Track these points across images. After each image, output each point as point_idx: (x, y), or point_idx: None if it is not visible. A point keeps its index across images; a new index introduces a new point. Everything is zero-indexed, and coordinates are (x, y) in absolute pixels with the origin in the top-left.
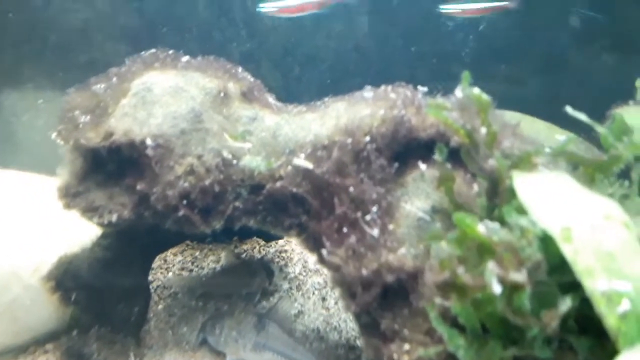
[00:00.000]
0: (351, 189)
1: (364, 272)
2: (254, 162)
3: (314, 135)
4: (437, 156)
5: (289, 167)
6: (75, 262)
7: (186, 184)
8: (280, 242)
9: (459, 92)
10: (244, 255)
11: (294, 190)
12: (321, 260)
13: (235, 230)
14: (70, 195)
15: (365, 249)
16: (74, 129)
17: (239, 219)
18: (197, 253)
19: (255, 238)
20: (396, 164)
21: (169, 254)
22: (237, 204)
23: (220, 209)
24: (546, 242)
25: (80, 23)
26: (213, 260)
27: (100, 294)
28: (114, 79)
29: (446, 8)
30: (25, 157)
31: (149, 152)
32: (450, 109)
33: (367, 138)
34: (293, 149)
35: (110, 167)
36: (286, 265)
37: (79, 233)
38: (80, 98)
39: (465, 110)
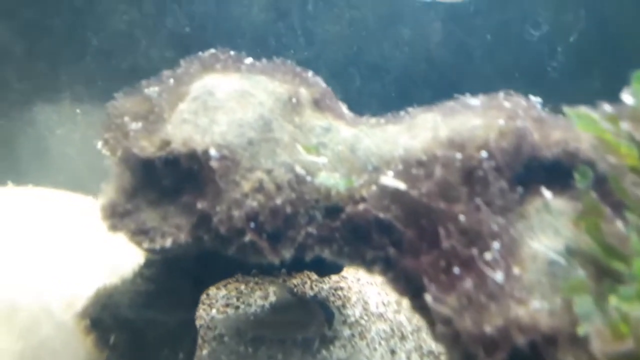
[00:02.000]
0: (462, 217)
1: (487, 329)
2: (331, 179)
3: (403, 149)
4: (579, 182)
5: (373, 187)
6: (115, 296)
7: (254, 203)
8: (334, 277)
9: (628, 98)
10: (294, 291)
11: (380, 215)
12: (418, 306)
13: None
14: (117, 215)
15: (487, 299)
16: (123, 138)
17: (312, 248)
18: (243, 287)
19: (305, 272)
20: (520, 189)
21: (211, 287)
22: (310, 229)
23: (291, 234)
24: None
25: (125, 26)
26: (261, 296)
27: (142, 336)
28: (170, 82)
29: None
30: (60, 174)
31: (213, 164)
32: (611, 119)
33: (484, 153)
34: (377, 165)
35: (165, 182)
36: (344, 306)
37: (118, 261)
38: (130, 103)
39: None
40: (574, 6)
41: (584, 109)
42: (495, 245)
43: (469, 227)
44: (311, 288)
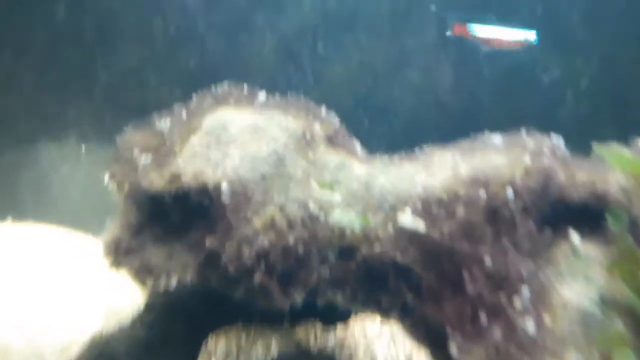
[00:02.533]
0: (488, 260)
1: None
2: (346, 218)
3: (422, 187)
4: (612, 225)
5: (390, 228)
6: (112, 343)
7: (266, 242)
8: (341, 327)
9: None
10: (298, 343)
11: (398, 258)
12: (440, 357)
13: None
14: (121, 252)
15: (518, 351)
16: (131, 171)
17: (324, 292)
18: (244, 337)
19: (310, 320)
20: (549, 232)
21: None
22: (323, 271)
23: (303, 276)
24: None
25: (135, 63)
26: (262, 347)
27: None
28: (183, 115)
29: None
30: (62, 212)
31: (225, 199)
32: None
33: (510, 192)
34: (394, 204)
35: (174, 218)
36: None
37: (118, 304)
38: (140, 136)
39: None
40: (585, 51)
41: (615, 146)
42: (525, 291)
43: (496, 271)
44: (316, 339)
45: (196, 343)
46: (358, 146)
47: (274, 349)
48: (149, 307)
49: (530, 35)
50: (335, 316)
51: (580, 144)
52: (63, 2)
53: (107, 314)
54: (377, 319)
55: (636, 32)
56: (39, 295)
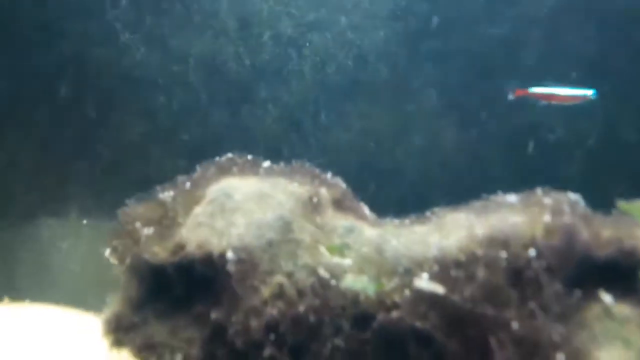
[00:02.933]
0: (515, 325)
1: None
2: (359, 283)
3: (437, 249)
4: None
5: (407, 292)
6: None
7: (274, 311)
8: None
9: None
10: None
11: (417, 324)
12: None
13: None
14: (122, 329)
15: None
16: (133, 244)
17: None
18: None
19: None
20: (578, 292)
21: None
22: (337, 341)
23: (315, 348)
24: None
25: (138, 137)
26: None
27: None
28: (186, 185)
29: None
30: (61, 290)
31: (230, 267)
32: None
33: (532, 252)
34: (409, 267)
35: (177, 290)
36: None
37: None
38: (143, 209)
39: None
40: (590, 111)
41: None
42: (560, 357)
43: (525, 336)
44: None
45: None
46: (366, 209)
47: None
48: None
49: (588, 92)
50: None
51: (589, 203)
52: (65, 80)
53: None
54: None
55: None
56: None
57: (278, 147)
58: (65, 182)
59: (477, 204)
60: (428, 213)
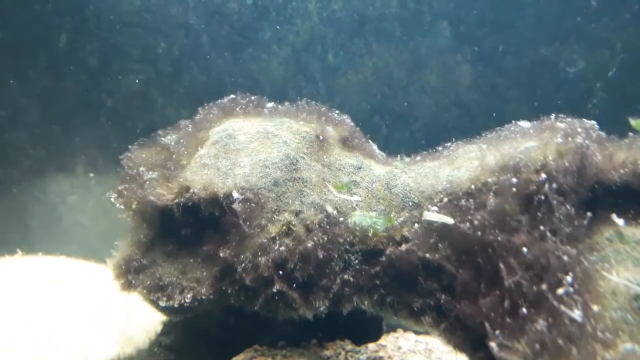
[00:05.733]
0: (524, 249)
1: None
2: (367, 218)
3: (447, 181)
4: None
5: (416, 225)
6: None
7: (282, 248)
8: (372, 346)
9: None
10: None
11: (427, 256)
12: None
13: (316, 326)
14: (131, 272)
15: (565, 341)
16: (138, 188)
17: (349, 298)
18: (270, 357)
19: (338, 341)
20: (589, 214)
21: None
22: (346, 276)
23: (325, 283)
24: None
25: (140, 85)
26: None
27: None
28: (189, 128)
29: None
30: (73, 243)
31: (236, 207)
32: None
33: (543, 175)
34: (417, 201)
35: (185, 231)
36: None
37: (134, 330)
38: (146, 153)
39: None
40: (610, 40)
41: None
42: (568, 278)
43: (535, 260)
44: (346, 358)
45: None
46: (375, 147)
47: None
48: (167, 330)
49: None
50: (366, 334)
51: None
52: (64, 29)
53: (122, 343)
54: (411, 335)
55: None
56: (51, 326)
57: (285, 91)
58: (70, 135)
59: (490, 135)
60: (440, 148)
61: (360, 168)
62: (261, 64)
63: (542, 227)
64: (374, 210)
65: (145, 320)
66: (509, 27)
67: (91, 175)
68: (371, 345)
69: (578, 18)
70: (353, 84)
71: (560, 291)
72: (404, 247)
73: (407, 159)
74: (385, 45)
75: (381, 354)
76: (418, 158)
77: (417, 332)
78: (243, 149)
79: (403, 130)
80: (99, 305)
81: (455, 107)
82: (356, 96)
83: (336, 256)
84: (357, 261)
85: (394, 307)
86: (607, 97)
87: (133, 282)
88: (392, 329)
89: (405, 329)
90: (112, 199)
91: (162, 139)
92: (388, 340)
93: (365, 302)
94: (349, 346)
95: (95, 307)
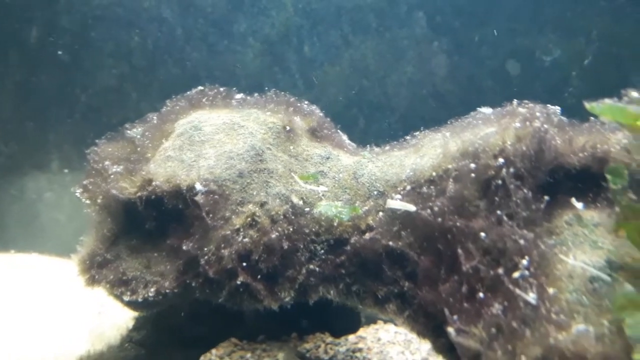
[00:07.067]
0: (482, 234)
1: None
2: (332, 208)
3: (411, 170)
4: (612, 182)
5: (380, 214)
6: None
7: (246, 240)
8: (352, 338)
9: None
10: (307, 356)
11: (390, 243)
12: (442, 346)
13: (293, 321)
14: (95, 266)
15: (520, 324)
16: (103, 182)
17: (315, 288)
18: (249, 355)
19: (318, 334)
20: (546, 198)
21: (213, 357)
22: (311, 266)
23: (290, 274)
24: None
25: (114, 80)
26: None
27: None
28: (154, 120)
29: None
30: (49, 240)
31: (199, 199)
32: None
33: (501, 160)
34: (382, 190)
35: (149, 225)
36: None
37: (105, 327)
38: (112, 147)
39: None
40: (585, 28)
41: (607, 101)
42: (524, 262)
43: (492, 244)
44: (325, 352)
45: (192, 358)
46: (345, 137)
47: None
48: (139, 326)
49: None
50: (344, 326)
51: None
52: (35, 25)
53: (92, 339)
54: (391, 327)
55: None
56: (17, 326)
57: (261, 84)
58: (45, 131)
59: (456, 123)
60: (408, 137)
61: (328, 158)
62: (237, 57)
63: (499, 212)
64: (340, 200)
65: (117, 316)
66: (485, 16)
67: (66, 171)
68: (351, 337)
69: (554, 7)
70: (330, 76)
71: (516, 275)
72: (368, 235)
73: (376, 149)
74: (362, 37)
75: (360, 345)
76: (387, 148)
77: (397, 324)
78: (208, 140)
79: (381, 122)
80: (70, 302)
81: (432, 98)
82: (333, 88)
83: (302, 246)
84: (322, 251)
85: (359, 295)
86: (583, 85)
87: (96, 277)
88: (373, 320)
89: (386, 321)
90: (77, 194)
91: (128, 132)
92: (368, 332)
93: (331, 292)
94: (329, 339)
95: (66, 304)
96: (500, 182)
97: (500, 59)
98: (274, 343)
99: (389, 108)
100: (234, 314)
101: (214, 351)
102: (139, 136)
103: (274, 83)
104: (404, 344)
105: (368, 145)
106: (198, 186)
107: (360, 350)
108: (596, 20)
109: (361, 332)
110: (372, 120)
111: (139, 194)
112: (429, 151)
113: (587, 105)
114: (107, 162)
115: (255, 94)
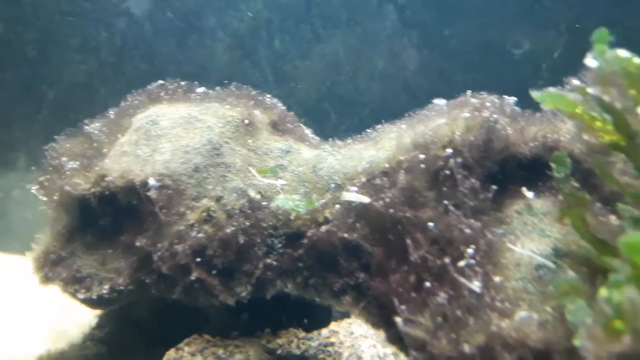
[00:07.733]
0: (430, 224)
1: (467, 349)
2: (289, 202)
3: (367, 162)
4: (556, 171)
5: (337, 207)
6: None
7: (201, 235)
8: (324, 332)
9: (591, 61)
10: (279, 352)
11: (346, 236)
12: (393, 337)
13: (267, 315)
14: (49, 264)
15: (464, 313)
16: (58, 179)
17: (273, 282)
18: (221, 352)
19: (291, 329)
20: (493, 187)
21: (185, 353)
22: (268, 260)
23: (247, 268)
24: None
25: (82, 76)
26: (241, 356)
27: None
28: (111, 115)
29: None
30: (17, 239)
31: (152, 194)
32: (578, 90)
33: (449, 150)
34: (340, 183)
35: (103, 221)
36: None
37: (67, 325)
38: (70, 143)
39: (608, 85)
40: (554, 21)
41: (551, 89)
42: (470, 251)
43: (440, 234)
44: (298, 347)
45: (156, 355)
46: (308, 131)
47: (253, 358)
48: (101, 323)
49: None
50: (316, 320)
51: None
52: (0, 20)
53: (53, 338)
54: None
55: None
56: None
57: (231, 78)
58: (11, 128)
59: (415, 115)
60: (369, 130)
61: (288, 152)
62: (206, 51)
63: (446, 202)
64: (298, 193)
65: (80, 314)
66: (455, 10)
67: (33, 169)
68: (324, 332)
69: (523, 0)
70: (301, 70)
71: (461, 263)
72: (324, 228)
73: (339, 143)
74: (332, 31)
75: (333, 339)
76: (349, 141)
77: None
78: (165, 134)
79: (352, 116)
80: (30, 302)
81: (403, 92)
82: (305, 83)
83: (259, 241)
84: (280, 245)
85: (316, 288)
86: (554, 78)
87: (50, 275)
88: (346, 315)
89: None
90: (33, 191)
91: (87, 127)
92: (341, 327)
93: (289, 285)
94: (302, 334)
95: (26, 304)
96: (448, 172)
97: (470, 52)
98: (246, 339)
99: (360, 102)
100: (199, 312)
101: (186, 348)
102: (96, 131)
103: (244, 78)
104: (377, 336)
105: (330, 139)
106: (151, 181)
107: (332, 344)
108: (565, 13)
109: (334, 326)
110: (344, 114)
111: (92, 190)
112: (386, 144)
113: (532, 93)
114: (64, 159)
115: (217, 88)
